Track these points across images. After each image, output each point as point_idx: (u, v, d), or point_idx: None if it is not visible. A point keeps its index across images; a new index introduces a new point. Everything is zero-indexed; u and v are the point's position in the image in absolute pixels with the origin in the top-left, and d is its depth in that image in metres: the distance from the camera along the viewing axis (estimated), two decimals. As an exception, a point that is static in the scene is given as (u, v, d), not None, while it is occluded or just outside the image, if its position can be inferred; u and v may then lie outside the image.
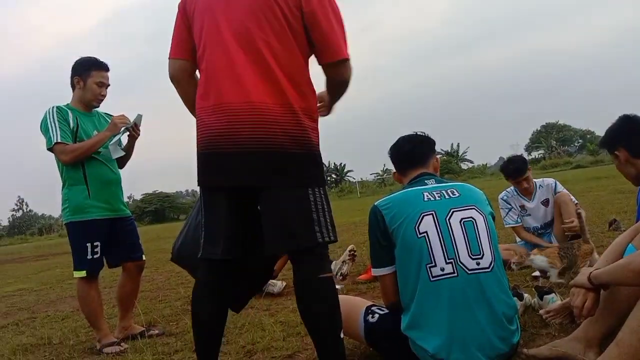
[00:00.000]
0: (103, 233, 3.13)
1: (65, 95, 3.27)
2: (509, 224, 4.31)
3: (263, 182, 1.90)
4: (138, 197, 58.50)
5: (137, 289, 3.46)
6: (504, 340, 2.03)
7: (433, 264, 2.03)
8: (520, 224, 4.29)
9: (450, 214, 2.09)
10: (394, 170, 2.51)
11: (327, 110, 2.21)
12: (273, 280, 4.15)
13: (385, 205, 2.20)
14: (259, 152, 1.86)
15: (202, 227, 2.03)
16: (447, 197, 2.15)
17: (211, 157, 1.94)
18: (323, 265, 1.96)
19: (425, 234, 2.05)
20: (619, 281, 1.74)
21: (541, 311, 2.59)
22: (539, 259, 3.36)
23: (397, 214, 2.13)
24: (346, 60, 1.97)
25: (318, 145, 2.00)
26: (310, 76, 2.00)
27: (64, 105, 3.16)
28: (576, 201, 4.12)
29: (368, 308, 2.29)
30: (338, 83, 2.03)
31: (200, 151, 1.96)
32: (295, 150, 1.89)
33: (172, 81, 2.09)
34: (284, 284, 4.26)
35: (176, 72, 2.06)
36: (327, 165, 72.38)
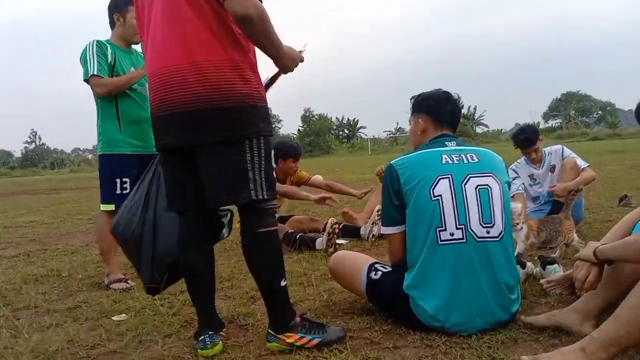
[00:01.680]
0: (133, 169, 3.17)
1: (88, 32, 3.29)
2: (512, 191, 4.28)
3: (192, 141, 1.92)
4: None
5: None
6: (504, 309, 2.06)
7: (443, 228, 2.03)
8: (521, 191, 4.26)
9: (466, 179, 2.08)
10: (419, 118, 2.33)
11: (278, 63, 2.03)
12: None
13: (402, 164, 2.18)
14: (186, 112, 1.87)
15: (163, 183, 2.18)
16: (465, 161, 2.13)
17: (155, 121, 2.02)
18: (263, 219, 1.98)
19: (439, 198, 2.05)
20: (624, 258, 1.74)
21: (542, 281, 2.61)
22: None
23: (413, 175, 2.12)
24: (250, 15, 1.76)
25: (253, 95, 1.92)
26: (234, 29, 1.88)
27: (105, 40, 3.21)
28: (584, 165, 4.07)
29: (371, 265, 2.32)
30: (238, 20, 1.79)
31: (152, 115, 2.05)
32: (223, 105, 1.86)
33: None
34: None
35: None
36: (339, 120, 71.97)
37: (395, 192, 2.16)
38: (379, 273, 2.27)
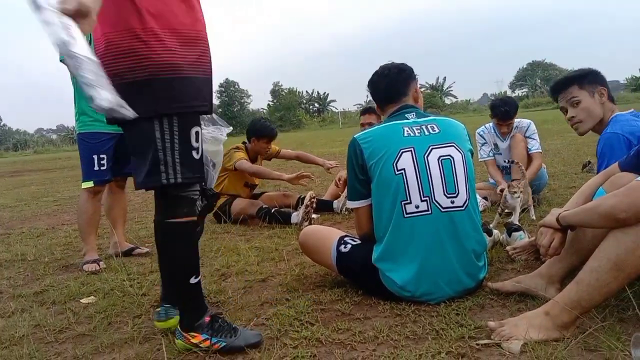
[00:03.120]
0: (109, 147, 3.18)
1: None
2: (482, 157, 4.34)
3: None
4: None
5: (125, 206, 3.60)
6: (471, 276, 2.10)
7: (408, 201, 2.05)
8: (492, 158, 4.34)
9: (429, 151, 2.09)
10: (375, 102, 2.45)
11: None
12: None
13: (365, 139, 2.18)
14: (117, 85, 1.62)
15: None
16: (426, 132, 2.13)
17: None
18: (176, 208, 1.79)
19: (402, 171, 2.06)
20: (586, 223, 1.78)
21: (508, 247, 2.67)
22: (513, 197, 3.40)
23: (376, 149, 2.12)
24: None
25: (162, 67, 1.68)
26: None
27: None
28: (535, 150, 4.16)
29: (341, 238, 2.33)
30: None
31: None
32: (128, 78, 1.66)
33: None
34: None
35: None
36: (309, 94, 71.60)
37: (360, 166, 2.17)
38: (349, 246, 2.28)
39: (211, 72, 1.88)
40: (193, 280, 1.81)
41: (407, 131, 2.13)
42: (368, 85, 2.42)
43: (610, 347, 1.53)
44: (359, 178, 2.19)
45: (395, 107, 2.29)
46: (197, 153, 1.79)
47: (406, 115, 2.22)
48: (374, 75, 2.38)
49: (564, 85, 2.45)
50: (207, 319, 1.84)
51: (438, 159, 2.08)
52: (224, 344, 1.79)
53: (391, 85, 2.31)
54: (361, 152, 2.16)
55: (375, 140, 2.15)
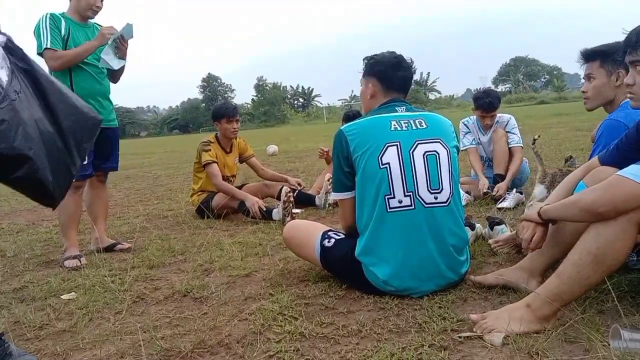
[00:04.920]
0: None
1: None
2: (465, 145, 4.36)
3: None
4: (98, 111, 56.78)
5: (107, 201, 3.57)
6: (453, 270, 2.11)
7: (392, 196, 2.05)
8: (474, 146, 4.37)
9: (414, 146, 2.08)
10: (369, 82, 2.29)
11: None
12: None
13: (351, 131, 2.16)
14: None
15: None
16: (414, 127, 2.12)
17: None
18: None
19: (387, 166, 2.05)
20: (566, 217, 1.80)
21: (490, 241, 2.69)
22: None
23: (362, 142, 2.11)
24: None
25: None
26: None
27: (59, 14, 3.16)
28: (516, 144, 4.20)
29: (325, 233, 2.33)
30: None
31: None
32: None
33: None
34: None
35: None
36: (294, 89, 71.39)
37: (345, 158, 2.16)
38: (332, 240, 2.28)
39: None
40: None
41: (394, 125, 2.12)
42: (384, 66, 2.27)
43: (590, 338, 1.55)
44: (344, 170, 2.18)
45: (391, 97, 2.26)
46: None
47: (396, 108, 2.20)
48: (399, 61, 2.28)
49: (589, 57, 2.40)
50: None
51: (423, 155, 2.08)
52: None
53: (409, 79, 2.31)
54: (347, 144, 2.14)
55: (361, 133, 2.14)
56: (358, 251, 2.14)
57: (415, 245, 2.05)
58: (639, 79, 1.93)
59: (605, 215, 1.58)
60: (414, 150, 2.08)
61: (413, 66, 2.35)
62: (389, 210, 2.05)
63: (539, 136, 3.94)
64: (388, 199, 2.05)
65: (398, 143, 2.08)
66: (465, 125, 4.46)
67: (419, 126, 2.14)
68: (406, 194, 2.05)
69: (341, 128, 2.21)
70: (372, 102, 2.29)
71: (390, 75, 2.27)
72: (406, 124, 2.13)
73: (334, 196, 2.34)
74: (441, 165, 2.10)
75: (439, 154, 2.10)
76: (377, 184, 2.06)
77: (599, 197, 1.59)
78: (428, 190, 2.06)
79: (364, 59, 2.38)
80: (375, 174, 2.07)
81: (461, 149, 4.40)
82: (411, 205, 2.05)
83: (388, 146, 2.07)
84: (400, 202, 2.05)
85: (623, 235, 1.57)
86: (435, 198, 2.07)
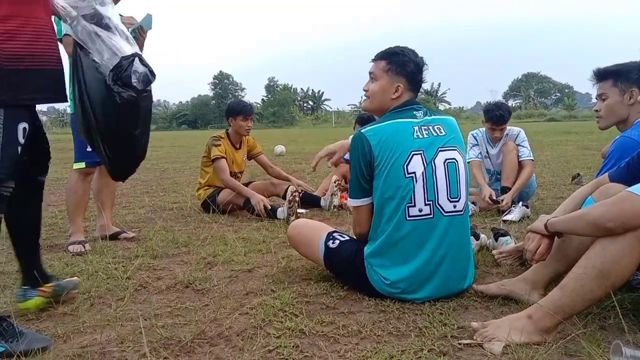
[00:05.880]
0: None
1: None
2: (471, 157, 4.35)
3: None
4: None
5: (114, 189, 3.60)
6: (462, 279, 2.13)
7: (413, 205, 2.03)
8: (479, 160, 4.36)
9: (436, 154, 2.06)
10: (397, 83, 2.17)
11: None
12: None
13: (374, 135, 2.08)
14: None
15: None
16: (434, 134, 2.09)
17: None
18: None
19: (413, 175, 2.02)
20: (573, 230, 1.80)
21: (494, 251, 2.69)
22: None
23: (386, 147, 2.05)
24: None
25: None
26: None
27: None
28: (526, 157, 4.19)
29: (330, 234, 2.32)
30: None
31: None
32: None
33: None
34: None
35: None
36: (304, 91, 71.47)
37: (367, 163, 2.09)
38: (337, 242, 2.28)
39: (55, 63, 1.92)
40: None
41: (416, 132, 2.08)
42: (410, 63, 2.18)
43: (591, 353, 1.55)
44: (364, 174, 2.11)
45: (408, 96, 2.20)
46: (16, 150, 1.75)
47: (415, 112, 2.15)
48: (416, 58, 2.21)
49: (601, 77, 2.40)
50: None
51: (444, 162, 2.07)
52: (3, 349, 1.71)
53: (423, 76, 2.25)
54: (370, 148, 2.07)
55: (385, 138, 2.06)
56: (368, 252, 2.13)
57: (430, 252, 2.04)
58: (602, 105, 1.92)
59: (613, 231, 1.58)
60: (435, 159, 2.06)
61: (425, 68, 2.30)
62: (408, 218, 2.03)
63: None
64: (409, 207, 2.03)
65: (422, 152, 2.05)
66: (474, 137, 4.44)
67: (439, 133, 2.11)
68: (426, 202, 2.03)
69: (362, 131, 2.12)
70: (393, 101, 2.20)
71: (418, 79, 2.24)
72: (427, 131, 2.10)
73: (352, 203, 2.22)
74: (460, 173, 2.10)
75: (457, 162, 2.10)
76: (400, 193, 2.03)
77: (607, 212, 1.59)
78: (448, 199, 2.05)
79: (390, 54, 2.22)
80: (400, 183, 2.03)
81: (467, 160, 4.41)
82: (430, 214, 2.04)
83: (413, 154, 2.04)
84: (420, 210, 2.03)
85: (630, 251, 1.57)
86: (455, 207, 2.07)
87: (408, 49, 2.25)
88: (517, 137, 4.25)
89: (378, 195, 2.10)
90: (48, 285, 2.10)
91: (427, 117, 2.15)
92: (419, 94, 2.34)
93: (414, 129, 2.09)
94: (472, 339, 1.71)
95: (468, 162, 4.28)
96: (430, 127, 2.12)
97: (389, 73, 2.19)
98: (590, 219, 1.65)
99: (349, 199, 2.25)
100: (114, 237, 3.36)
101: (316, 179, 6.33)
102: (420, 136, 2.08)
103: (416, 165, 2.03)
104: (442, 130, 2.13)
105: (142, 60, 2.05)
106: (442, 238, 2.05)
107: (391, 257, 2.08)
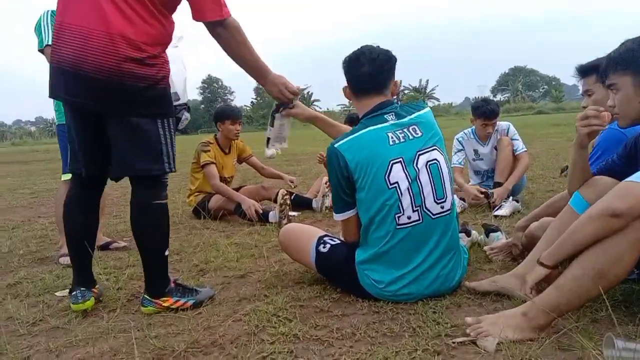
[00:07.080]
0: None
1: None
2: (454, 163, 4.34)
3: (105, 109, 1.99)
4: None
5: (104, 199, 3.49)
6: (453, 277, 2.12)
7: (401, 214, 2.02)
8: (462, 166, 4.37)
9: (416, 158, 2.04)
10: (345, 85, 2.22)
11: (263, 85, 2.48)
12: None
13: (348, 148, 2.05)
14: (99, 79, 1.90)
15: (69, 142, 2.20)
16: (410, 137, 2.06)
17: (65, 73, 1.97)
18: (160, 192, 2.14)
19: (396, 185, 2.00)
20: (577, 244, 1.67)
21: (485, 247, 2.69)
22: None
23: (362, 161, 2.02)
24: (220, 21, 2.06)
25: (161, 78, 2.02)
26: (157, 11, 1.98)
27: None
28: (521, 150, 4.19)
29: (320, 238, 2.31)
30: (221, 43, 2.14)
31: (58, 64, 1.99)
32: (137, 83, 1.94)
33: None
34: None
35: None
36: (294, 92, 71.17)
37: (345, 178, 2.07)
38: (328, 246, 2.26)
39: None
40: (166, 253, 2.17)
41: (392, 138, 2.04)
42: (347, 65, 2.16)
43: (583, 346, 1.55)
44: (344, 189, 2.10)
45: (372, 101, 2.15)
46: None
47: (385, 116, 2.10)
48: (357, 55, 2.13)
49: (585, 73, 2.37)
50: (173, 284, 2.18)
51: (426, 164, 2.04)
52: (193, 300, 2.17)
53: (377, 74, 2.11)
54: (345, 164, 2.04)
55: (359, 150, 2.04)
56: (360, 259, 2.12)
57: (422, 256, 2.04)
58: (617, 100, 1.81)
59: (621, 215, 1.52)
60: (416, 163, 2.04)
61: (389, 54, 2.15)
62: (397, 227, 2.03)
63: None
64: (397, 216, 2.02)
65: (401, 159, 2.02)
66: (459, 142, 4.41)
67: (415, 134, 2.08)
68: (414, 209, 2.02)
69: (335, 145, 2.08)
70: (357, 107, 2.21)
71: (354, 75, 2.15)
72: (402, 135, 2.06)
73: (338, 217, 2.22)
74: (443, 173, 2.08)
75: (439, 162, 2.08)
76: (386, 204, 2.01)
77: (612, 198, 1.55)
78: (435, 201, 2.05)
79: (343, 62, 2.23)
80: (383, 194, 2.01)
81: (452, 166, 4.41)
82: (419, 220, 2.03)
83: (392, 163, 2.01)
84: (409, 217, 2.02)
85: (631, 249, 1.55)
86: (442, 207, 2.06)
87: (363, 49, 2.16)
88: (507, 131, 4.26)
89: (364, 208, 2.08)
90: (97, 287, 2.29)
91: (399, 120, 2.10)
92: (408, 91, 2.34)
93: (388, 135, 2.05)
94: (465, 337, 1.70)
95: (453, 167, 4.33)
96: (405, 130, 2.08)
97: None
98: (595, 212, 1.58)
99: (334, 214, 2.23)
100: (105, 247, 3.34)
101: (307, 180, 6.33)
102: (397, 141, 2.05)
103: (397, 174, 2.01)
104: (417, 131, 2.09)
105: (189, 110, 2.53)
106: (433, 241, 2.05)
107: (383, 263, 2.07)
